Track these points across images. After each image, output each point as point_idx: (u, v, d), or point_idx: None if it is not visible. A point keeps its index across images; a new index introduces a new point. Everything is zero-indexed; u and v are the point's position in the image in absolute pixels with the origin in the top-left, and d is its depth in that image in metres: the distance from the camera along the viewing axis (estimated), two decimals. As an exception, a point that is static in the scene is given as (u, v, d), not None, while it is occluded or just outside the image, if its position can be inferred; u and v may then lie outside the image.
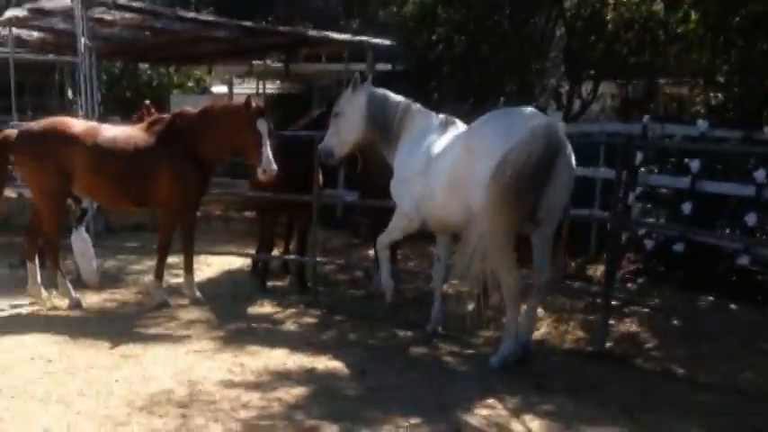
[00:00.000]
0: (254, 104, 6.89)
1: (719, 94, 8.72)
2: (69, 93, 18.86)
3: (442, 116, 6.32)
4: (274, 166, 6.72)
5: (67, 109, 18.55)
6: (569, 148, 5.36)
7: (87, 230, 8.22)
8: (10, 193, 12.53)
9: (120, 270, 8.95)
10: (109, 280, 8.37)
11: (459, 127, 6.11)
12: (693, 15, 9.04)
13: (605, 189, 8.31)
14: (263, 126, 6.81)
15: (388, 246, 6.65)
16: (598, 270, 8.38)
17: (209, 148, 7.04)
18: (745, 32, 7.71)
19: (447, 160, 5.69)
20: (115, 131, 7.22)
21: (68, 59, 16.36)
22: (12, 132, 7.18)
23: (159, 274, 7.34)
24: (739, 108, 7.85)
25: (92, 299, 7.56)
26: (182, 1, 21.74)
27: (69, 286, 7.29)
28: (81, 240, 7.93)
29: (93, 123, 7.64)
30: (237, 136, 6.88)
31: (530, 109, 5.76)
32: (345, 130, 6.60)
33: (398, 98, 6.53)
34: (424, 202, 5.99)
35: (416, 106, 6.44)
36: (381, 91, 6.60)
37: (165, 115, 7.74)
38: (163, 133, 7.08)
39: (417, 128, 6.25)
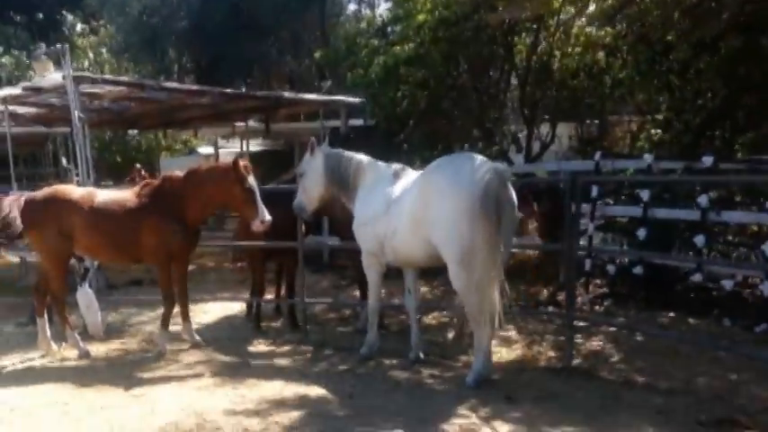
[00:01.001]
0: (242, 164, 7.08)
1: (660, 131, 9.21)
2: (64, 161, 19.03)
3: (394, 165, 6.72)
4: (269, 217, 6.97)
5: (62, 177, 18.85)
6: (511, 187, 5.73)
7: (90, 287, 8.35)
8: (14, 257, 12.82)
9: (122, 322, 9.05)
10: (113, 331, 8.46)
11: (411, 173, 6.51)
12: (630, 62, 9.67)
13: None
14: (253, 182, 7.05)
15: (377, 305, 7.00)
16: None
17: (196, 207, 7.20)
18: (679, 74, 8.26)
19: (406, 202, 6.08)
20: (109, 195, 7.51)
21: (61, 131, 16.68)
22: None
23: (165, 324, 7.44)
24: (678, 142, 8.31)
25: (99, 349, 7.69)
26: (165, 70, 22.33)
27: (77, 338, 7.48)
28: (86, 296, 8.07)
29: (90, 189, 7.89)
30: (229, 194, 7.09)
31: (474, 155, 6.11)
32: (310, 188, 7.16)
33: (352, 155, 6.99)
34: (387, 241, 6.33)
35: (367, 160, 6.88)
36: (336, 151, 7.12)
37: (156, 179, 7.98)
38: (152, 195, 7.28)
39: (371, 178, 6.71)
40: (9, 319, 9.09)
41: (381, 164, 6.85)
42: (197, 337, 7.64)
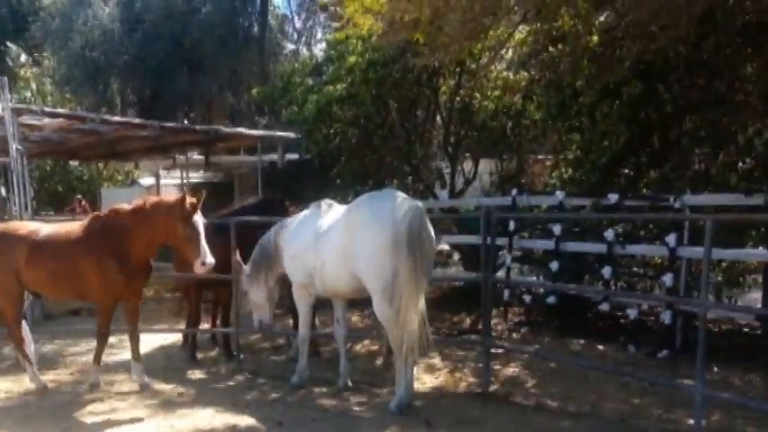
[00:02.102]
0: (189, 201, 6.47)
1: (570, 169, 9.50)
2: (2, 190, 18.43)
3: (321, 201, 6.83)
4: (211, 259, 6.36)
5: (0, 207, 18.24)
6: (429, 223, 5.84)
7: (25, 318, 7.94)
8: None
9: (57, 353, 8.77)
10: (47, 362, 8.19)
11: (337, 208, 6.59)
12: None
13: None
14: (198, 221, 6.48)
15: (308, 336, 7.01)
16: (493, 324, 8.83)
17: (141, 243, 6.61)
18: (588, 116, 8.56)
19: (333, 236, 6.14)
20: (54, 229, 7.07)
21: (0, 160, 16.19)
22: None
23: (97, 360, 7.00)
24: (587, 180, 8.58)
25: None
26: (107, 102, 21.93)
27: (35, 371, 7.18)
28: None
29: (38, 224, 7.44)
30: (173, 231, 6.46)
31: (396, 192, 6.21)
32: (259, 301, 7.19)
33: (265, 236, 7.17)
34: (316, 273, 6.36)
35: (277, 224, 7.12)
36: (256, 250, 7.20)
37: (103, 212, 7.28)
38: (97, 230, 6.78)
39: (295, 221, 6.87)
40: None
41: (294, 217, 7.03)
42: (146, 379, 7.08)
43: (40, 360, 8.02)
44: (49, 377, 7.59)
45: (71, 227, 7.15)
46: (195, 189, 15.80)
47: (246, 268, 7.22)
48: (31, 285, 7.10)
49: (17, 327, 7.16)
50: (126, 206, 6.91)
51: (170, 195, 6.86)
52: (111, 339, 7.83)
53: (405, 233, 5.57)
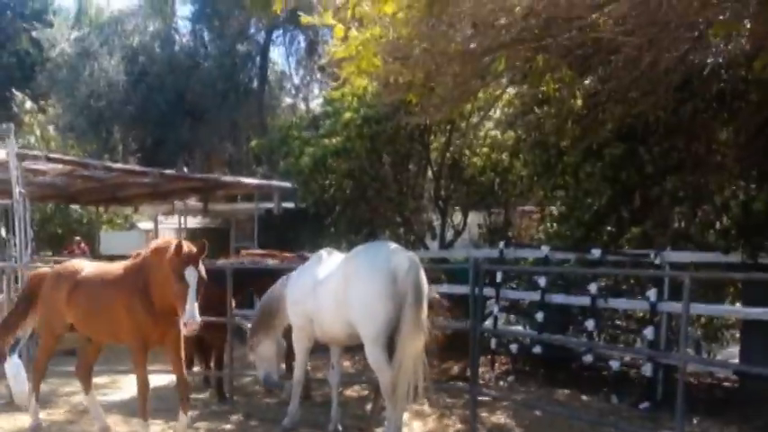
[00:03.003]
0: (184, 250, 5.72)
1: (555, 224, 9.66)
2: (3, 232, 18.39)
3: (321, 250, 6.94)
4: (197, 321, 5.58)
5: (0, 247, 18.15)
6: (422, 273, 5.93)
7: (20, 356, 8.01)
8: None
9: (51, 392, 8.66)
10: (41, 402, 7.75)
11: (337, 256, 6.69)
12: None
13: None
14: (191, 275, 5.66)
15: (303, 379, 7.07)
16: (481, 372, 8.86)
17: (158, 287, 5.97)
18: (572, 175, 8.75)
19: (330, 283, 6.24)
20: (94, 269, 6.71)
21: (1, 202, 16.21)
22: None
23: (142, 412, 6.38)
24: (572, 235, 8.72)
25: (25, 419, 7.32)
26: (110, 149, 22.09)
27: (37, 408, 7.09)
28: (14, 366, 7.72)
29: (88, 263, 7.11)
30: (165, 280, 5.80)
31: (390, 243, 6.38)
32: (265, 356, 7.19)
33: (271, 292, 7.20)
34: (314, 318, 6.45)
35: (279, 282, 7.15)
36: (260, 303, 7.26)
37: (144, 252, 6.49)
38: (128, 271, 6.30)
39: (297, 270, 6.92)
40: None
41: (298, 269, 7.06)
42: None
43: None
44: (42, 416, 7.44)
45: (110, 267, 6.75)
46: (194, 234, 15.93)
47: (251, 326, 7.24)
48: (74, 324, 6.72)
49: (44, 361, 7.00)
50: (150, 246, 6.39)
51: (171, 240, 6.18)
52: (104, 379, 7.80)
53: (396, 282, 5.68)
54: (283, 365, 8.50)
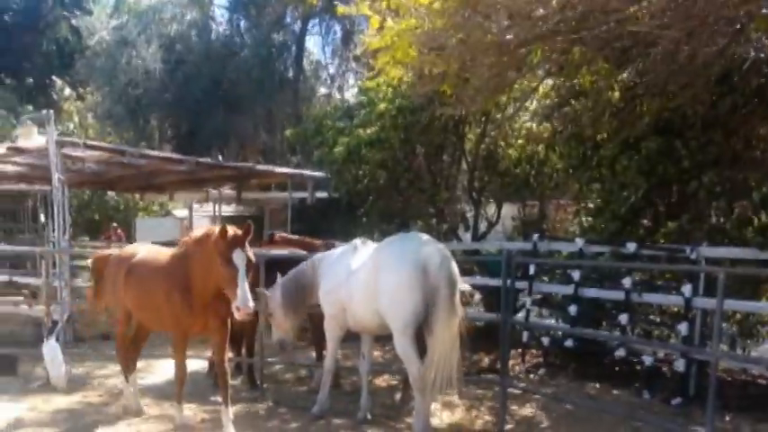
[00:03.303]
0: (230, 233, 5.63)
1: (591, 217, 9.62)
2: (42, 217, 18.89)
3: (355, 240, 7.01)
4: (250, 305, 5.49)
5: (40, 232, 18.67)
6: (453, 265, 5.98)
7: (57, 340, 8.23)
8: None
9: (86, 375, 8.89)
10: (77, 384, 8.32)
11: (370, 246, 6.78)
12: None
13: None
14: (239, 258, 5.56)
15: (333, 367, 7.17)
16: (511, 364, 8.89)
17: (198, 277, 5.96)
18: (608, 168, 8.72)
19: (361, 273, 6.34)
20: (145, 254, 6.72)
21: (41, 188, 16.63)
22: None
23: (178, 398, 6.62)
24: (606, 228, 8.69)
25: (61, 401, 7.60)
26: (146, 137, 22.49)
27: (134, 393, 7.26)
28: (51, 349, 8.00)
29: (147, 246, 7.22)
30: (213, 267, 5.68)
31: (421, 234, 6.47)
32: (281, 322, 7.33)
33: (301, 266, 7.29)
34: (347, 307, 6.55)
35: (317, 256, 7.22)
36: (288, 276, 7.30)
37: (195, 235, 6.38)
38: (173, 259, 6.29)
39: (332, 257, 6.99)
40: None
41: (334, 250, 7.18)
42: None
43: (70, 381, 8.23)
44: (77, 398, 7.79)
45: (160, 254, 6.67)
46: (228, 222, 16.16)
47: (275, 294, 7.32)
48: (130, 308, 6.80)
49: (122, 346, 7.15)
50: (194, 235, 6.36)
51: (212, 229, 6.06)
52: (139, 364, 7.96)
53: (425, 273, 5.76)
54: (314, 354, 8.67)
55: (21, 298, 11.91)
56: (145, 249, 6.95)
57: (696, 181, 7.85)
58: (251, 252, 5.73)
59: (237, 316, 5.57)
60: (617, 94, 8.53)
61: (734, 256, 7.55)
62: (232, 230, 5.68)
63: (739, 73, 6.98)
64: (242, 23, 22.56)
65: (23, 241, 18.68)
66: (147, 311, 6.55)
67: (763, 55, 6.57)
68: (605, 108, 8.48)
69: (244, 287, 5.48)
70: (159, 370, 9.01)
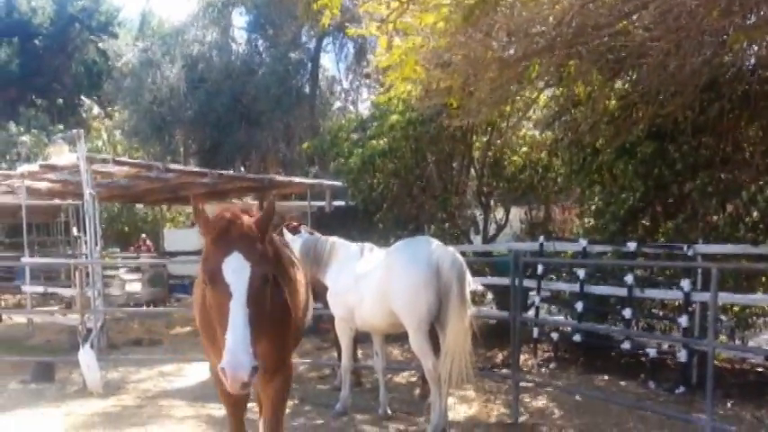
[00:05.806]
0: (219, 215, 3.57)
1: (592, 219, 9.78)
2: (74, 230, 19.21)
3: (363, 244, 7.14)
4: (243, 372, 3.10)
5: (72, 245, 19.01)
6: (463, 266, 6.13)
7: (92, 347, 8.28)
8: (20, 318, 12.80)
9: (121, 380, 8.96)
10: (112, 388, 8.40)
11: (376, 251, 6.92)
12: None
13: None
14: (232, 270, 3.33)
15: (350, 366, 7.32)
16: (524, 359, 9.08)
17: None
18: (607, 172, 8.88)
19: (373, 276, 6.46)
20: None
21: (72, 203, 16.95)
22: None
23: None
24: (608, 229, 8.85)
25: (97, 405, 7.68)
26: (171, 152, 22.81)
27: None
28: (87, 355, 8.04)
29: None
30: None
31: (431, 239, 6.61)
32: None
33: (327, 237, 7.38)
34: (356, 309, 6.69)
35: (340, 241, 7.29)
36: (312, 237, 7.44)
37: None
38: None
39: (342, 255, 7.09)
40: (13, 377, 8.91)
41: (351, 244, 7.25)
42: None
43: (106, 386, 8.29)
44: (112, 402, 7.86)
45: None
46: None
47: (295, 244, 7.18)
48: None
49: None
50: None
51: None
52: (170, 367, 8.12)
53: (437, 274, 5.91)
54: (336, 353, 8.83)
55: (56, 308, 12.09)
56: None
57: (691, 182, 8.00)
58: (269, 249, 3.45)
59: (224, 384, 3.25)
60: (613, 102, 8.70)
61: (728, 251, 7.70)
62: (229, 212, 3.47)
63: (725, 80, 7.13)
64: (260, 43, 22.83)
65: (57, 254, 18.99)
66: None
67: (748, 64, 6.72)
68: (602, 116, 8.64)
69: (236, 331, 3.12)
70: (190, 373, 9.13)
